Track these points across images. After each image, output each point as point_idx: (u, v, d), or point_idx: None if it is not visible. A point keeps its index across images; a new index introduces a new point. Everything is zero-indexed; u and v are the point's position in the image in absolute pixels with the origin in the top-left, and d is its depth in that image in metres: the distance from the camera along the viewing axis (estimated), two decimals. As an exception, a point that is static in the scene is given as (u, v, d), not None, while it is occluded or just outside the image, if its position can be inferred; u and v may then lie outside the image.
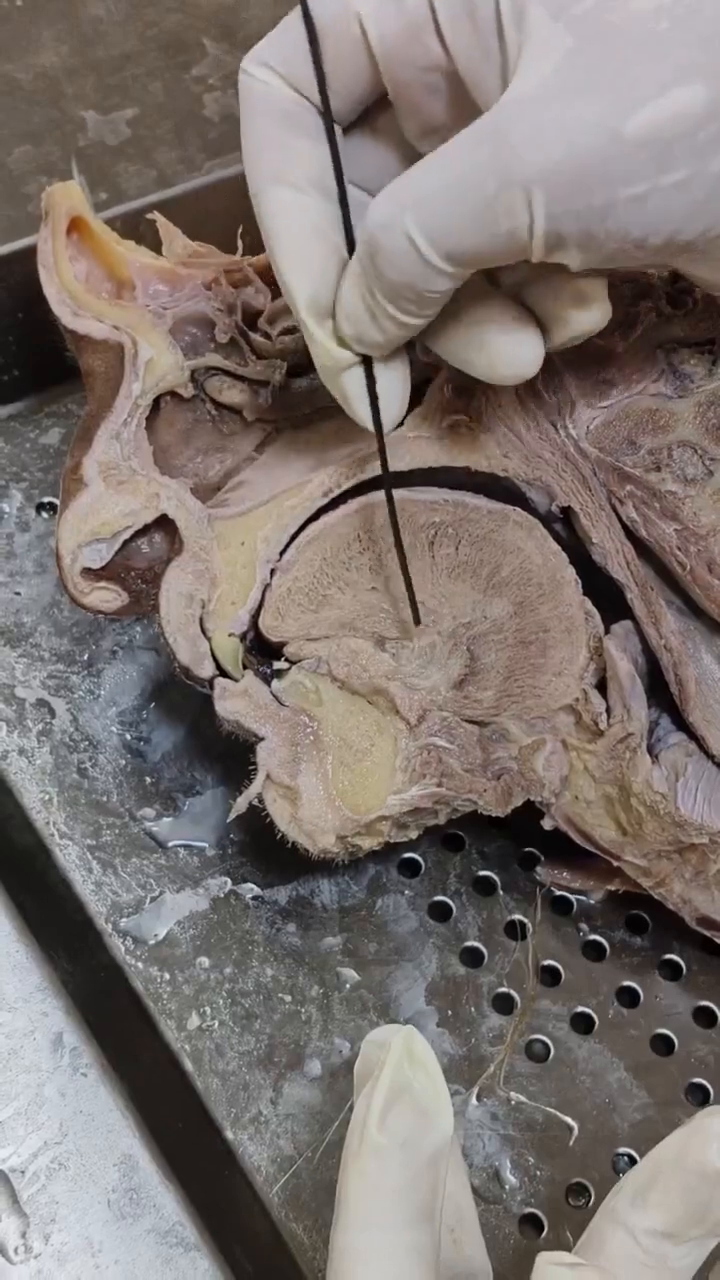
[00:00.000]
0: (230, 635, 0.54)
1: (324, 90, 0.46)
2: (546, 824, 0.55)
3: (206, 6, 0.81)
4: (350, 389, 0.49)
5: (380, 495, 0.52)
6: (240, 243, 0.59)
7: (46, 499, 0.67)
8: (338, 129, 0.47)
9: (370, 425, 0.49)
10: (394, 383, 0.49)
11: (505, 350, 0.48)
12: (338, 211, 0.47)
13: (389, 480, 0.51)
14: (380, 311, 0.45)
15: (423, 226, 0.43)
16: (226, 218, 0.63)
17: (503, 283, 0.48)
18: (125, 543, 0.55)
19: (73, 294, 0.56)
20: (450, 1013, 0.56)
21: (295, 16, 0.47)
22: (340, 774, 0.53)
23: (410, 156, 0.47)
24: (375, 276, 0.45)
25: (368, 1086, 0.40)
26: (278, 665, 0.54)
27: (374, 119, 0.49)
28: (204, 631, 0.54)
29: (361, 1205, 0.39)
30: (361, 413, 0.49)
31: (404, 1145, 0.39)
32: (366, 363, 0.48)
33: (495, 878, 0.59)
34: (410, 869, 0.60)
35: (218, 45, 0.79)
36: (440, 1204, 0.40)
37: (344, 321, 0.47)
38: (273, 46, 0.48)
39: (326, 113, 0.47)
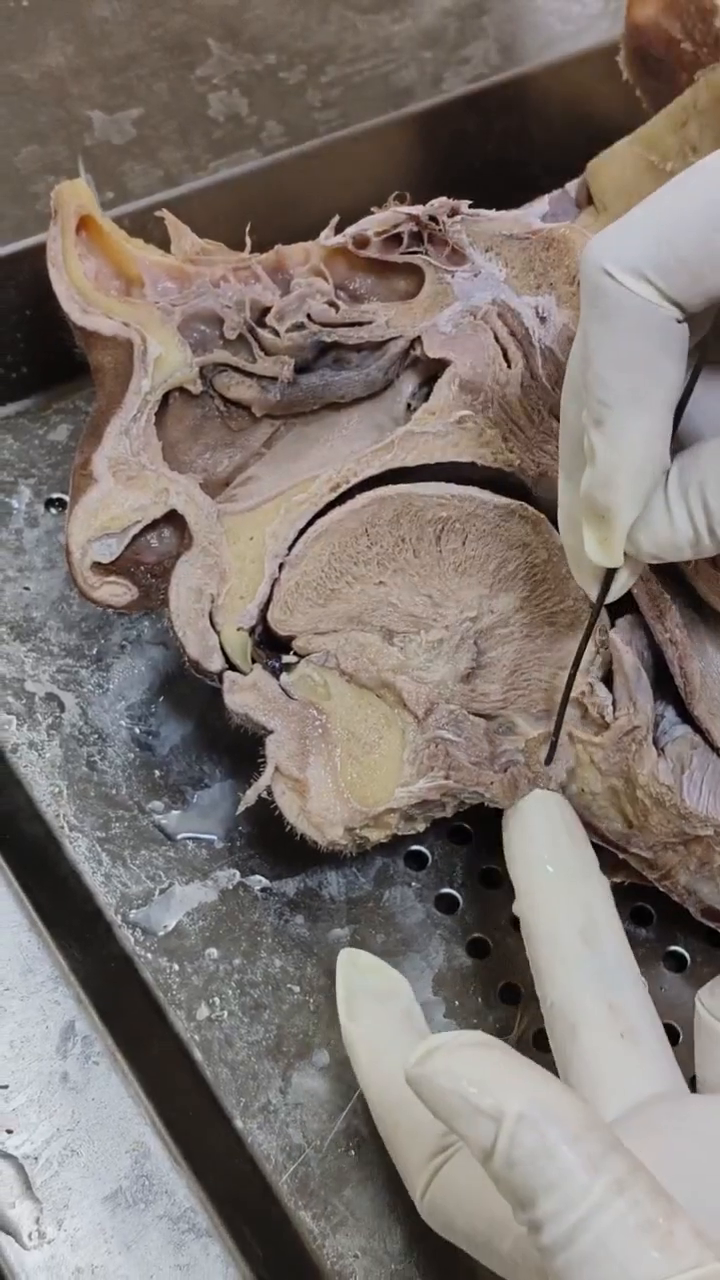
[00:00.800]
0: (239, 629, 0.54)
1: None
2: (552, 816, 0.55)
3: (211, 7, 0.81)
4: (593, 577, 0.49)
5: (389, 490, 0.53)
6: (248, 240, 0.59)
7: (55, 495, 0.68)
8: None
9: (593, 600, 0.50)
10: (634, 577, 0.49)
11: None
12: (672, 428, 0.45)
13: (589, 633, 0.52)
14: (709, 541, 0.45)
15: None
16: (233, 216, 0.64)
17: None
18: (135, 538, 0.55)
19: (82, 291, 0.57)
20: (457, 1003, 0.57)
21: (670, 208, 0.42)
22: (349, 767, 0.53)
23: None
24: None
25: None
26: (286, 659, 0.55)
27: None
28: (213, 625, 0.54)
29: (369, 1076, 0.48)
30: (590, 589, 0.50)
31: (374, 1022, 0.48)
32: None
33: (501, 870, 0.60)
34: (417, 861, 0.60)
35: (222, 45, 0.80)
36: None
37: (651, 542, 0.46)
38: (646, 248, 0.42)
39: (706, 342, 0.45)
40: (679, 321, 0.42)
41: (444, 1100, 0.38)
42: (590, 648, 0.53)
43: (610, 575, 0.49)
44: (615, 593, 0.49)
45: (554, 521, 0.54)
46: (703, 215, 0.41)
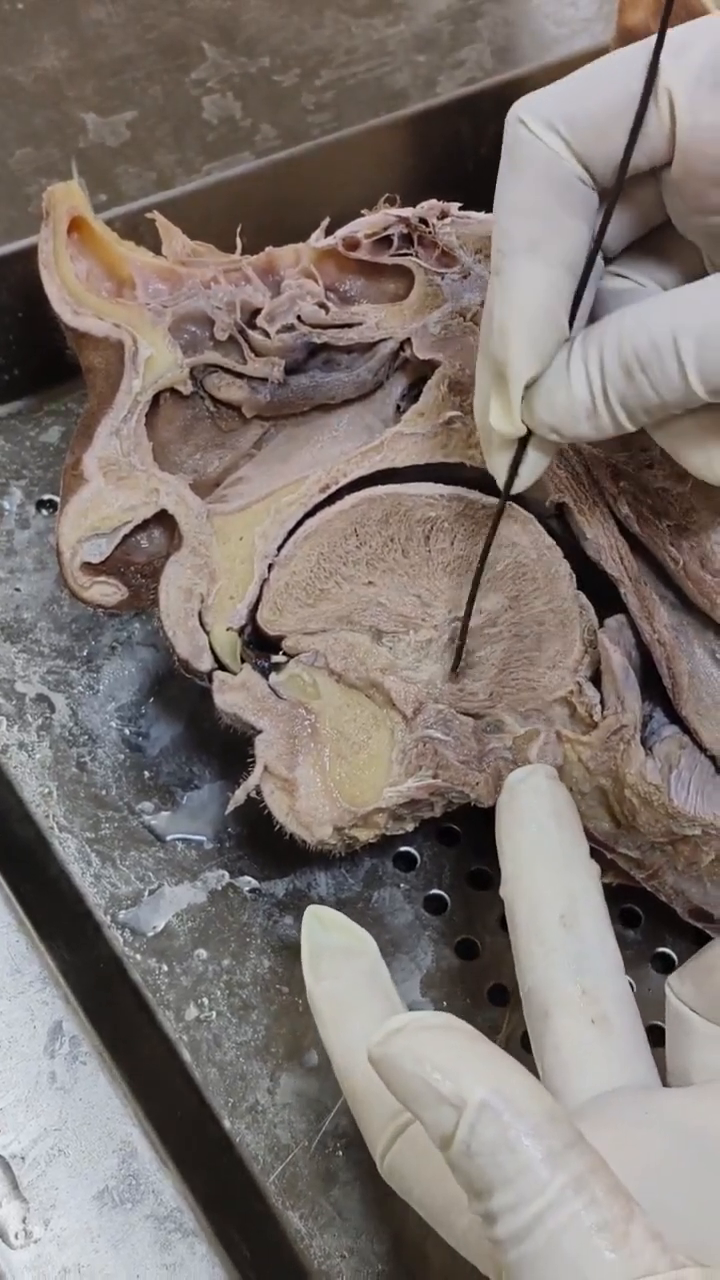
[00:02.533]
0: (229, 629, 0.54)
1: (623, 173, 0.44)
2: (541, 816, 0.55)
3: (205, 10, 0.81)
4: (502, 458, 0.48)
5: (379, 490, 0.53)
6: (239, 242, 0.59)
7: (46, 496, 0.68)
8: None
9: (501, 484, 0.49)
10: (542, 461, 0.48)
11: None
12: (573, 292, 0.45)
13: (492, 535, 0.52)
14: (605, 414, 0.45)
15: (700, 361, 0.42)
16: (225, 218, 0.64)
17: None
18: (125, 538, 0.55)
19: (73, 292, 0.57)
20: (445, 1004, 0.57)
21: (587, 75, 0.44)
22: (337, 766, 0.53)
23: (681, 254, 0.47)
24: (623, 387, 0.44)
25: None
26: (275, 659, 0.55)
27: (637, 193, 0.46)
28: (203, 625, 0.54)
29: (334, 1035, 0.47)
30: (498, 473, 0.49)
31: (340, 979, 0.47)
32: (525, 438, 0.47)
33: (490, 871, 0.60)
34: (406, 862, 0.60)
35: (216, 49, 0.80)
36: (396, 1004, 0.47)
37: (548, 409, 0.45)
38: (559, 103, 0.44)
39: (614, 196, 0.44)
40: (584, 184, 0.44)
41: (405, 1083, 0.37)
42: (578, 648, 0.54)
43: (519, 459, 0.48)
44: (524, 479, 0.48)
45: (543, 523, 0.54)
46: (614, 79, 0.43)
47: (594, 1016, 0.46)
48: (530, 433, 0.47)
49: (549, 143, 0.44)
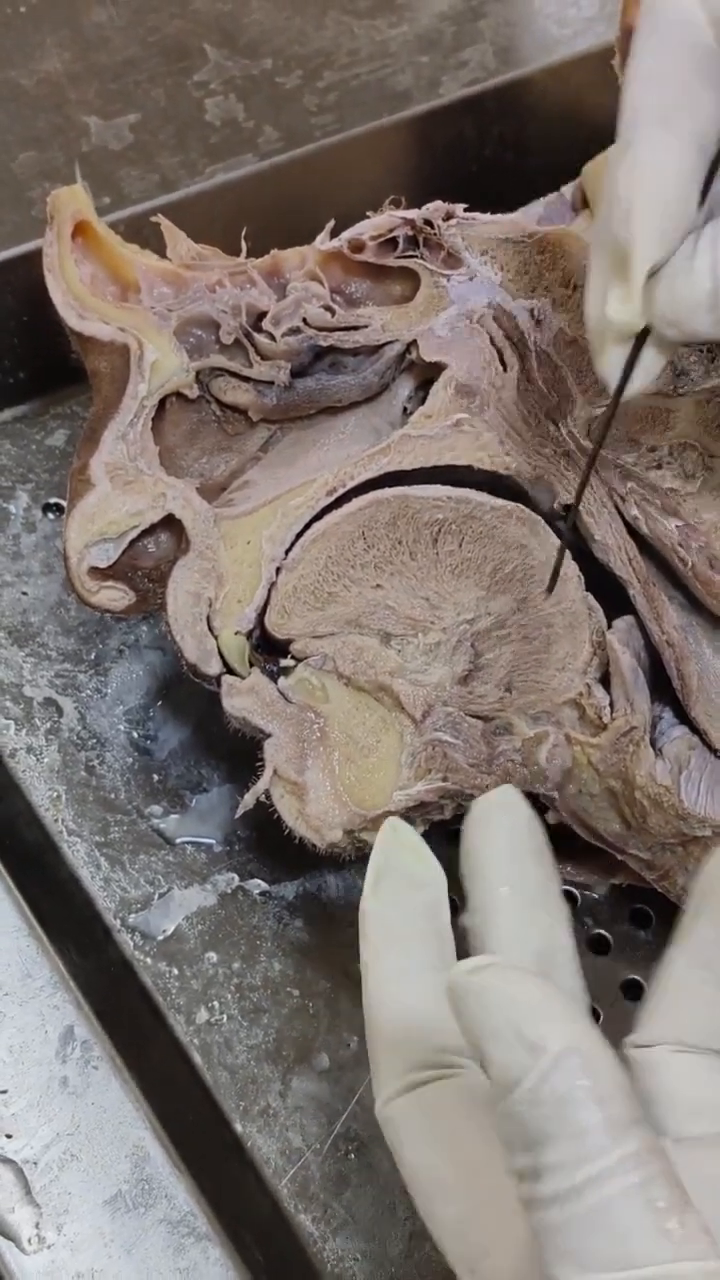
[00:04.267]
0: (237, 633, 0.54)
1: None
2: (550, 818, 0.55)
3: (207, 13, 0.81)
4: (615, 356, 0.46)
5: (386, 493, 0.53)
6: (244, 245, 0.59)
7: (53, 500, 0.68)
8: None
9: (612, 389, 0.46)
10: (658, 362, 0.46)
11: None
12: (704, 173, 0.43)
13: (596, 451, 0.50)
14: None
15: None
16: (228, 221, 0.64)
17: None
18: (132, 542, 0.55)
19: (78, 297, 0.57)
20: (456, 1006, 0.57)
21: None
22: (347, 769, 0.53)
23: None
24: None
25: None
26: (284, 662, 0.55)
27: None
28: (211, 629, 0.54)
29: (371, 966, 0.43)
30: (610, 374, 0.46)
31: (397, 906, 0.43)
32: (642, 335, 0.45)
33: (500, 872, 0.60)
34: (416, 864, 0.60)
35: (218, 51, 0.80)
36: (448, 951, 0.44)
37: (669, 300, 0.43)
38: None
39: None
40: None
41: (486, 1017, 0.36)
42: (587, 649, 0.54)
43: (634, 359, 0.45)
44: (638, 381, 0.46)
45: (550, 523, 0.54)
46: None
47: None
48: (647, 330, 0.44)
49: (687, 5, 0.42)
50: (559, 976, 0.44)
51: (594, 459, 0.51)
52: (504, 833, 0.45)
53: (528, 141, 0.78)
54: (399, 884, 0.44)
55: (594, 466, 0.53)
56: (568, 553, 0.54)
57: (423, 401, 0.56)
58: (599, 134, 0.63)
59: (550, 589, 0.53)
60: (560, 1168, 0.35)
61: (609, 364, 0.45)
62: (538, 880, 0.45)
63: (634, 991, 0.58)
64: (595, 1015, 0.57)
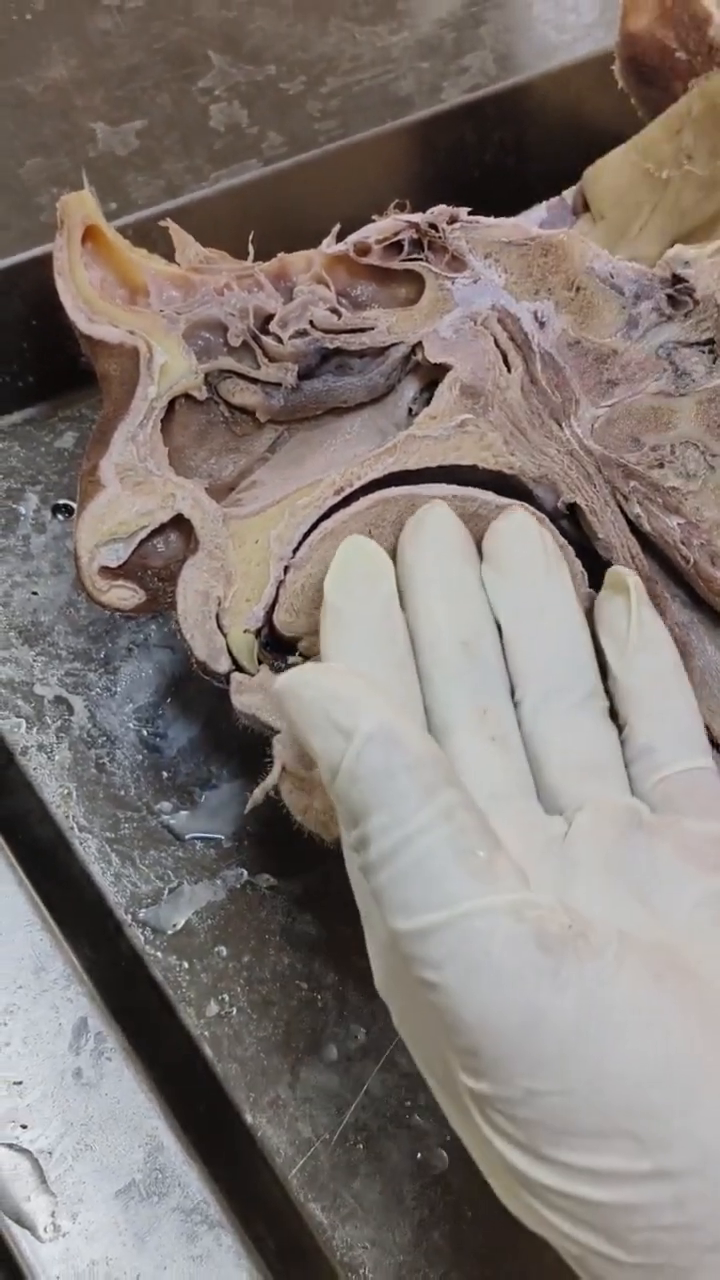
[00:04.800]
0: (246, 631, 0.55)
1: None
2: (555, 812, 0.56)
3: (212, 20, 0.82)
4: None
5: (393, 492, 0.54)
6: (251, 249, 0.60)
7: (62, 501, 0.69)
8: None
9: None
10: None
11: None
12: None
13: None
14: None
15: None
16: (234, 225, 0.65)
17: None
18: (142, 542, 0.56)
19: (88, 300, 0.57)
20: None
21: None
22: (354, 765, 0.54)
23: None
24: None
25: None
26: (292, 660, 0.55)
27: None
28: (220, 628, 0.55)
29: (334, 647, 0.48)
30: None
31: (353, 598, 0.49)
32: None
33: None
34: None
35: (222, 57, 0.81)
36: (402, 635, 0.48)
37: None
38: None
39: None
40: None
41: (306, 712, 0.40)
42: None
43: None
44: None
45: (555, 523, 0.55)
46: None
47: (493, 734, 0.47)
48: None
49: None
50: (483, 655, 0.48)
51: None
52: (431, 534, 0.50)
53: (528, 146, 0.79)
54: (356, 579, 0.49)
55: (598, 466, 0.54)
56: (571, 550, 0.55)
57: (428, 403, 0.57)
58: (599, 138, 0.64)
59: None
60: (382, 832, 0.39)
61: None
62: (462, 570, 0.50)
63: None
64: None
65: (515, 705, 0.48)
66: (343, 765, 0.39)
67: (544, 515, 0.55)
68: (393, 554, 0.51)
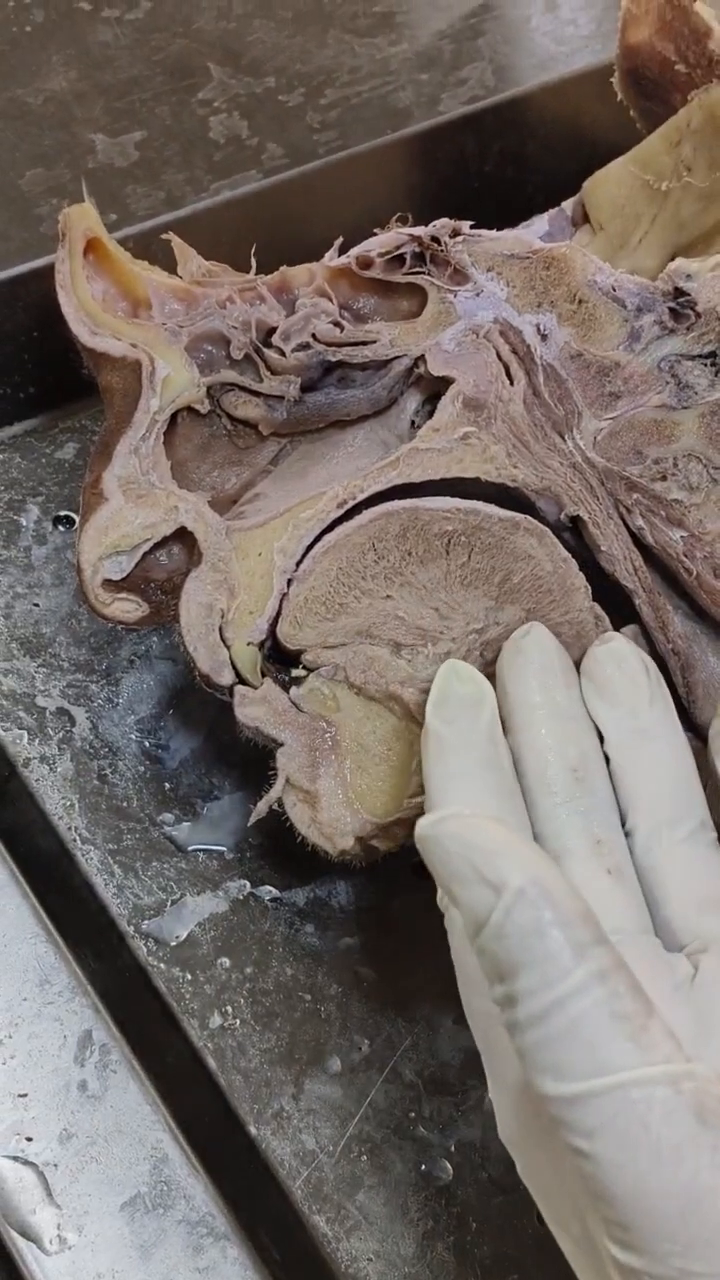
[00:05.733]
0: (249, 644, 0.55)
1: None
2: (558, 824, 0.56)
3: (211, 31, 0.82)
4: None
5: (396, 505, 0.54)
6: (253, 261, 0.60)
7: (63, 512, 0.69)
8: None
9: None
10: None
11: None
12: None
13: None
14: None
15: None
16: (234, 237, 0.65)
17: None
18: (145, 555, 0.56)
19: (90, 313, 0.58)
20: (466, 1009, 0.58)
21: None
22: (358, 778, 0.54)
23: None
24: None
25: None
26: (295, 672, 0.55)
27: None
28: (223, 640, 0.55)
29: (437, 772, 0.47)
30: None
31: (456, 724, 0.48)
32: None
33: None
34: (426, 870, 0.61)
35: (222, 69, 0.81)
36: (506, 757, 0.48)
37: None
38: None
39: None
40: None
41: (450, 863, 0.39)
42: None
43: None
44: None
45: (557, 534, 0.55)
46: None
47: (609, 867, 0.47)
48: None
49: None
50: (593, 781, 0.48)
51: None
52: (534, 660, 0.50)
53: (527, 158, 0.79)
54: (458, 707, 0.48)
55: (601, 479, 0.54)
56: (574, 563, 0.55)
57: (430, 415, 0.57)
58: (598, 149, 0.65)
59: None
60: (531, 993, 0.37)
61: None
62: (567, 697, 0.50)
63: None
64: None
65: (626, 835, 0.48)
66: (490, 920, 0.38)
67: (547, 528, 0.55)
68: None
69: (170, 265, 0.60)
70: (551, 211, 0.64)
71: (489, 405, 0.56)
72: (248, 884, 0.60)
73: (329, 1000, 0.58)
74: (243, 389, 0.58)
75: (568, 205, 0.64)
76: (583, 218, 0.64)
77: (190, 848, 0.61)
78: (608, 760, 0.49)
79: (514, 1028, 0.38)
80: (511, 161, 0.79)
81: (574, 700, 0.50)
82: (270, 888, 0.60)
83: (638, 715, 0.49)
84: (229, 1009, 0.57)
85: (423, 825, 0.40)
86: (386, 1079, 0.55)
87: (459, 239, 0.58)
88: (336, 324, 0.58)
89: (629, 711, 0.49)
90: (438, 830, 0.40)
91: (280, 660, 0.56)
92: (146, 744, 0.63)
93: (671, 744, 0.49)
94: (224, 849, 0.61)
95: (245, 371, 0.58)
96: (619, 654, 0.51)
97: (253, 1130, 0.55)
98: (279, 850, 0.60)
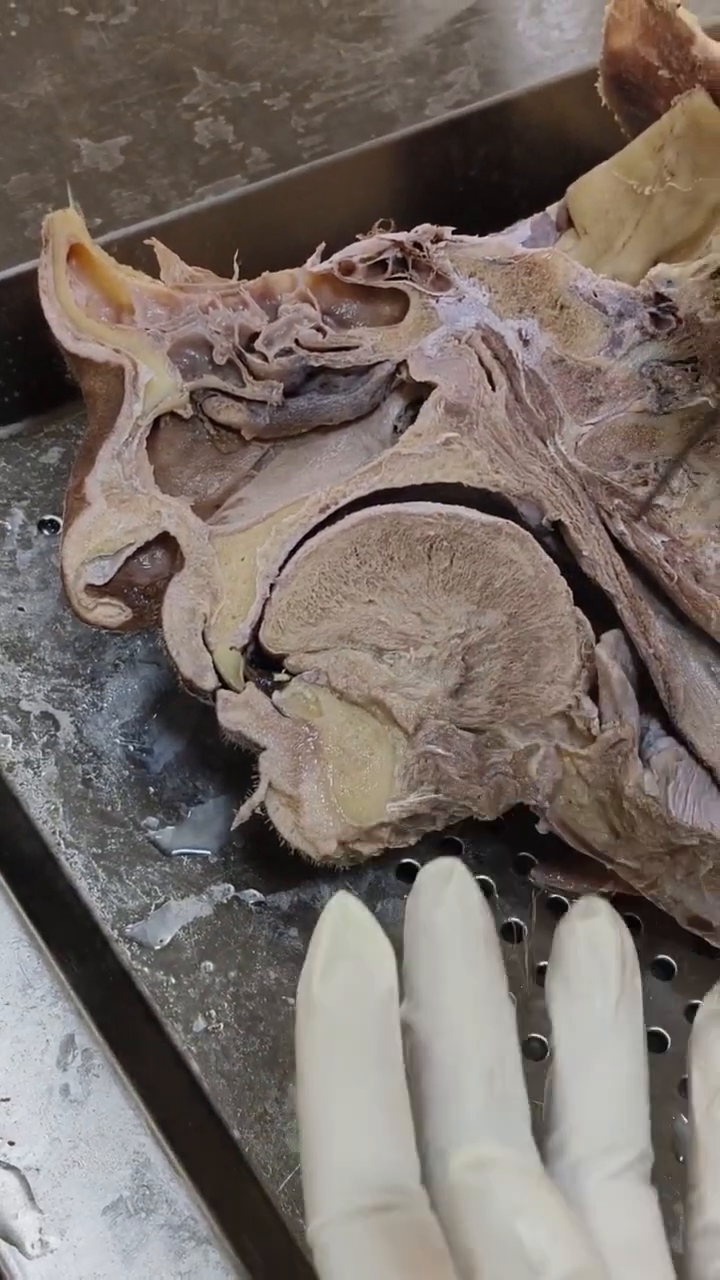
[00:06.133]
0: (232, 648, 0.55)
1: None
2: (541, 828, 0.57)
3: (196, 36, 0.82)
4: None
5: (378, 510, 0.54)
6: (236, 266, 0.60)
7: (48, 517, 0.69)
8: None
9: None
10: None
11: None
12: None
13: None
14: None
15: None
16: (219, 241, 0.65)
17: None
18: (128, 559, 0.56)
19: (73, 318, 0.58)
20: (449, 1013, 0.58)
21: None
22: (341, 782, 0.54)
23: None
24: None
25: (310, 949, 0.40)
26: (278, 677, 0.56)
27: None
28: (206, 645, 0.55)
29: (315, 1064, 0.39)
30: None
31: (346, 998, 0.38)
32: None
33: (491, 881, 0.61)
34: (408, 874, 0.61)
35: (207, 74, 0.81)
36: (398, 1053, 0.39)
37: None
38: None
39: None
40: None
41: (489, 1225, 0.35)
42: (575, 663, 0.55)
43: None
44: None
45: (540, 540, 0.55)
46: None
47: None
48: None
49: None
50: (506, 1086, 0.40)
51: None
52: (455, 916, 0.41)
53: (513, 162, 0.79)
54: (348, 972, 0.39)
55: (583, 484, 0.54)
56: (555, 567, 0.55)
57: (413, 420, 0.57)
58: (583, 154, 0.65)
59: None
60: None
61: None
62: (488, 975, 0.41)
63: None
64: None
65: (541, 1141, 0.41)
66: None
67: (528, 533, 0.55)
68: None
69: (155, 270, 0.60)
70: (535, 217, 0.64)
71: (471, 410, 0.56)
72: (232, 888, 0.60)
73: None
74: (225, 394, 0.58)
75: (552, 210, 0.64)
76: (567, 223, 0.64)
77: (174, 852, 0.61)
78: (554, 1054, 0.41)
79: None
80: (497, 166, 0.79)
81: (496, 976, 0.41)
82: (254, 891, 0.60)
83: (600, 1019, 0.41)
84: (213, 1013, 0.57)
85: (459, 1170, 0.35)
86: (369, 1082, 0.55)
87: (441, 244, 0.58)
88: (319, 329, 0.58)
89: (591, 1012, 0.41)
90: (479, 1182, 0.35)
91: (263, 665, 0.56)
92: (131, 748, 0.63)
93: (630, 1059, 0.41)
94: (208, 853, 0.61)
95: (228, 376, 0.58)
96: (597, 937, 0.42)
97: (236, 1134, 0.55)
98: (263, 854, 0.60)
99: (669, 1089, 0.57)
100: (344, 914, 0.40)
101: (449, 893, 0.41)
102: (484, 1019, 0.40)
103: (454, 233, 0.59)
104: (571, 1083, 0.41)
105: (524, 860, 0.61)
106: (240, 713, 0.55)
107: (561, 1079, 0.41)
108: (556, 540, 0.56)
